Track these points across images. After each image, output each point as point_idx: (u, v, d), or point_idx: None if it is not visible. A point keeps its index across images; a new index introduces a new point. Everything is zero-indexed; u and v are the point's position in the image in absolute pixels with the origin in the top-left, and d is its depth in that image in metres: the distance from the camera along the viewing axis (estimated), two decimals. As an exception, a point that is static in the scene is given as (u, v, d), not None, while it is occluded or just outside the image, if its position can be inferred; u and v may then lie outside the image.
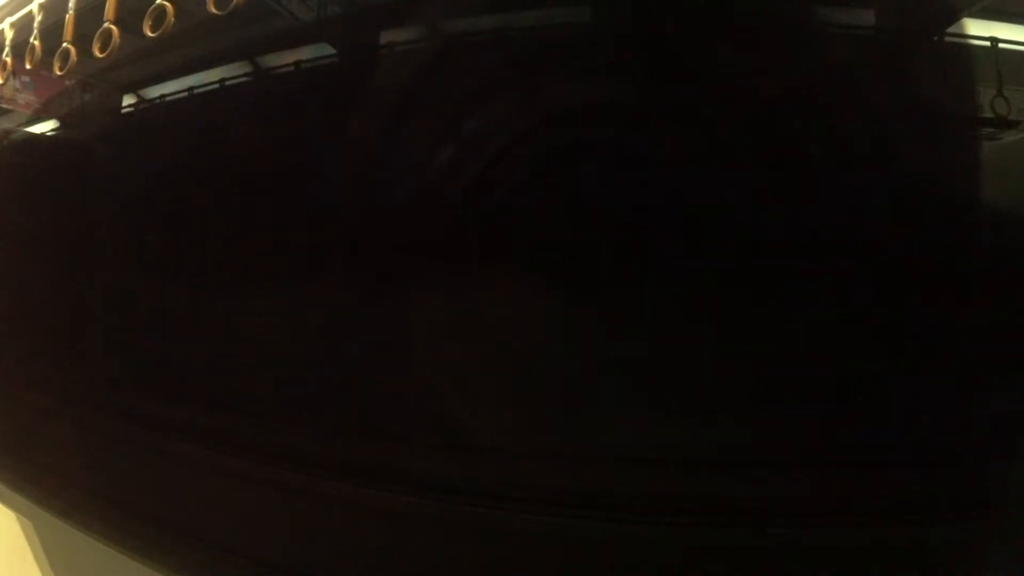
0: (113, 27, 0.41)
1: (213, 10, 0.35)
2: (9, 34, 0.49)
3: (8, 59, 0.48)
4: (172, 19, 0.37)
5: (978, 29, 0.26)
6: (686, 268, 0.27)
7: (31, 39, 0.46)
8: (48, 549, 0.70)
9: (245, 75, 0.37)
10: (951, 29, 0.26)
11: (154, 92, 0.41)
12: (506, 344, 0.30)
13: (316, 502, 0.36)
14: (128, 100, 0.43)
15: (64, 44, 0.44)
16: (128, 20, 0.40)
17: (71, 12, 0.44)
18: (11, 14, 0.49)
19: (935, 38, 0.27)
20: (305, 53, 0.35)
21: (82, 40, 0.43)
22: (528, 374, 0.30)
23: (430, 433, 0.32)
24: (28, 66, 0.47)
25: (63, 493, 0.49)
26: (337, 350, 0.35)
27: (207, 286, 0.39)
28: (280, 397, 0.36)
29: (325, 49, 0.35)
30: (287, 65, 0.36)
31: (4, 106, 0.51)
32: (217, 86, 0.38)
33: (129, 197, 0.44)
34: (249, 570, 0.38)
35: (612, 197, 0.28)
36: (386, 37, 0.33)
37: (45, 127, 0.51)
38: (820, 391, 0.27)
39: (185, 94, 0.39)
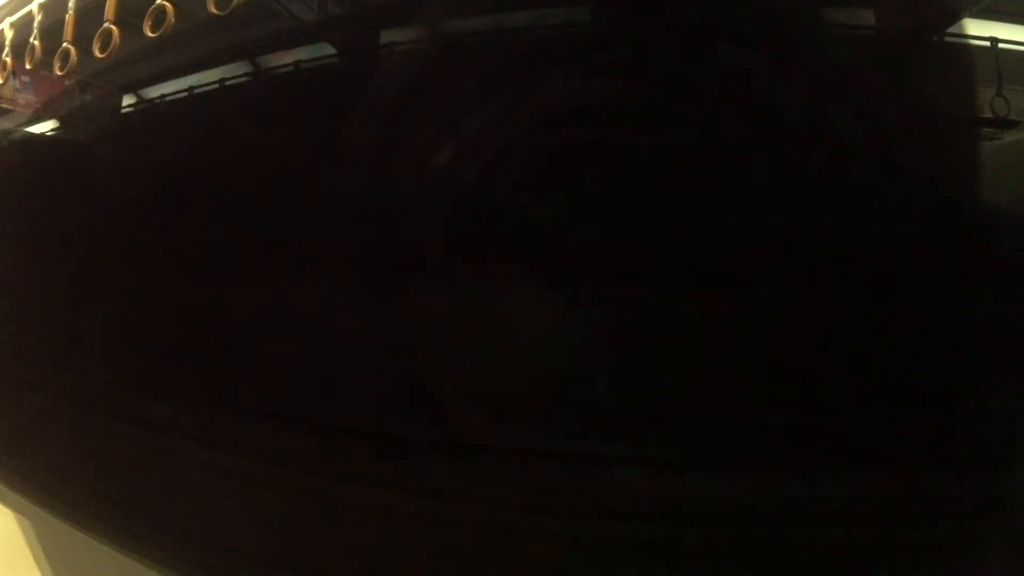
0: (113, 27, 0.41)
1: (213, 10, 0.35)
2: (9, 34, 0.49)
3: (8, 59, 0.48)
4: (172, 19, 0.37)
5: (978, 29, 0.26)
6: (685, 269, 0.27)
7: (31, 39, 0.47)
8: (48, 549, 0.70)
9: (245, 75, 0.37)
10: (951, 29, 0.26)
11: (154, 92, 0.41)
12: (506, 344, 0.30)
13: (316, 502, 0.36)
14: (128, 100, 0.43)
15: (64, 44, 0.44)
16: (128, 20, 0.40)
17: (71, 12, 0.44)
18: (11, 14, 0.49)
19: (935, 38, 0.27)
20: (305, 53, 0.35)
21: (82, 40, 0.43)
22: (528, 374, 0.30)
23: (430, 433, 0.32)
24: (28, 66, 0.47)
25: (63, 493, 0.49)
26: (338, 350, 0.35)
27: (207, 286, 0.39)
28: (280, 397, 0.36)
29: (325, 49, 0.35)
30: (287, 65, 0.36)
31: (4, 106, 0.51)
32: (217, 86, 0.38)
33: (130, 197, 0.44)
34: (249, 570, 0.38)
35: (614, 198, 0.28)
36: (386, 37, 0.33)
37: (45, 127, 0.51)
38: (819, 391, 0.27)
39: (185, 94, 0.39)
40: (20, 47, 0.47)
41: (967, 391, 0.27)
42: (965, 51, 0.26)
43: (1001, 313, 0.26)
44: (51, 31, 0.45)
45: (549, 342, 0.29)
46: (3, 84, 0.49)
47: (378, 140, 0.32)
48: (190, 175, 0.40)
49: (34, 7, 0.47)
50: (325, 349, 0.35)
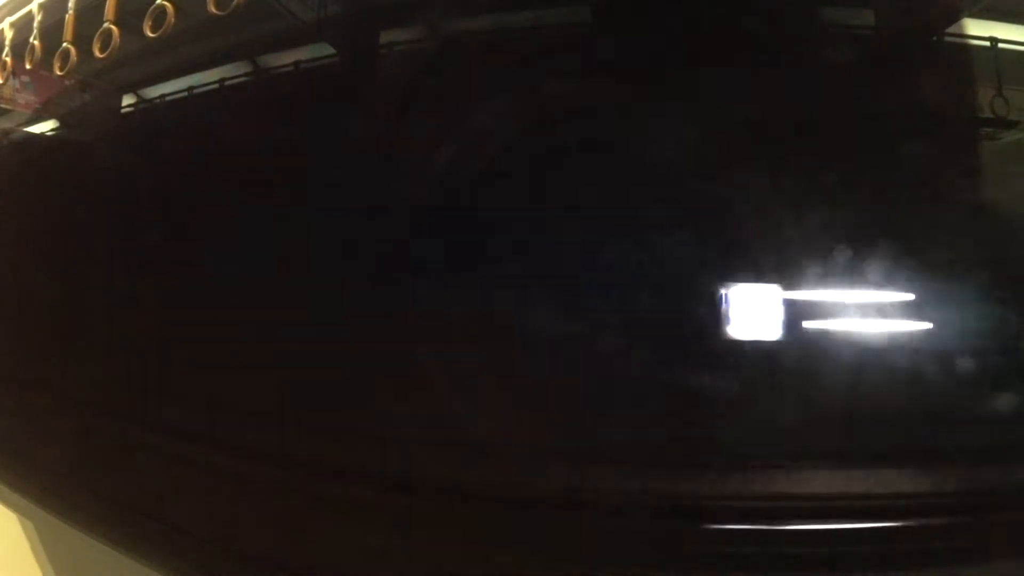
0: (113, 27, 0.41)
1: (213, 10, 0.35)
2: (9, 34, 0.49)
3: (8, 59, 0.48)
4: (172, 19, 0.37)
5: (978, 29, 0.26)
6: (686, 269, 0.27)
7: (31, 39, 0.47)
8: (48, 549, 0.70)
9: (245, 75, 0.37)
10: (951, 29, 0.26)
11: (154, 92, 0.41)
12: (504, 344, 0.30)
13: (315, 502, 0.36)
14: (128, 100, 0.43)
15: (64, 44, 0.44)
16: (128, 20, 0.40)
17: (71, 12, 0.44)
18: (11, 14, 0.49)
19: (935, 38, 0.27)
20: (305, 53, 0.35)
21: (82, 40, 0.43)
22: (527, 374, 0.30)
23: (430, 433, 0.32)
24: (28, 66, 0.47)
25: (63, 493, 0.49)
26: (337, 350, 0.35)
27: (207, 286, 0.39)
28: (280, 397, 0.36)
29: (325, 49, 0.35)
30: (287, 65, 0.36)
31: (4, 106, 0.51)
32: (217, 86, 0.38)
33: (129, 197, 0.44)
34: (249, 570, 0.38)
35: (610, 197, 0.28)
36: (385, 37, 0.33)
37: (45, 127, 0.51)
38: (820, 391, 0.27)
39: (185, 94, 0.39)
40: (20, 47, 0.47)
41: (966, 390, 0.27)
42: (965, 51, 0.26)
43: (1000, 313, 0.26)
44: (51, 31, 0.45)
45: (552, 340, 0.29)
46: (3, 84, 0.49)
47: (377, 139, 0.32)
48: (191, 175, 0.40)
49: (34, 7, 0.47)
50: (326, 349, 0.35)
